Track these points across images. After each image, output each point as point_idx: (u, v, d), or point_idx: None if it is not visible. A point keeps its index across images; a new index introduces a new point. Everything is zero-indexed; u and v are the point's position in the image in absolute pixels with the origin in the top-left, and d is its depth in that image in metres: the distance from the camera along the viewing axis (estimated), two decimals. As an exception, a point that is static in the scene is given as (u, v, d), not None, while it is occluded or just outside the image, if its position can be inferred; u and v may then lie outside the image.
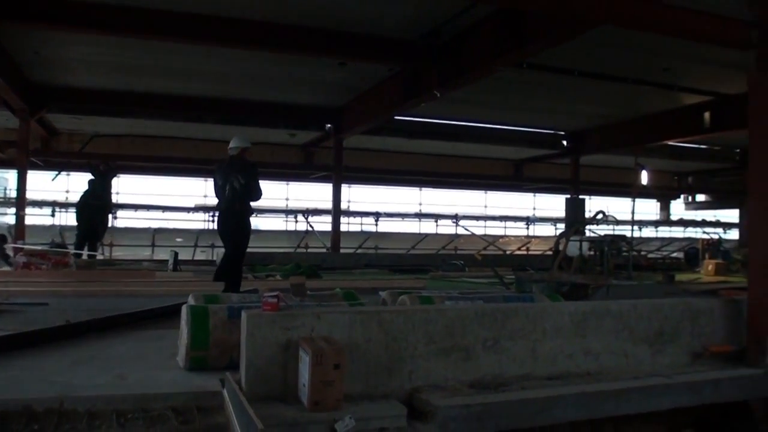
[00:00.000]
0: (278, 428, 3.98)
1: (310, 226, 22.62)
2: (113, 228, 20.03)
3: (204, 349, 5.34)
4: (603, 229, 18.70)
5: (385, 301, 6.80)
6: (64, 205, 21.07)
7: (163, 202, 22.67)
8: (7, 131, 18.85)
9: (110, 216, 17.52)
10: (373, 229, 24.42)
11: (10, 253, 13.74)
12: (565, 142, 21.39)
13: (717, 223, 30.15)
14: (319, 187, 23.03)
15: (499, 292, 7.76)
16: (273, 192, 23.91)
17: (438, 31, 11.13)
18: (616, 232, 19.40)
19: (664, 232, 31.03)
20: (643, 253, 23.15)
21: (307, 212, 23.21)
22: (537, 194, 28.51)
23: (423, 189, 26.45)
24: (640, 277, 14.80)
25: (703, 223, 29.98)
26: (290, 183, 24.24)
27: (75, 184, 21.00)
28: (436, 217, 26.16)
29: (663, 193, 30.66)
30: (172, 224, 22.75)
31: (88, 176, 15.14)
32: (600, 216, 15.37)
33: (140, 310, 8.04)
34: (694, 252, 22.35)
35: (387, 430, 4.20)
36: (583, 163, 22.64)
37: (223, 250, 9.88)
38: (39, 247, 14.68)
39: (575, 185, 22.33)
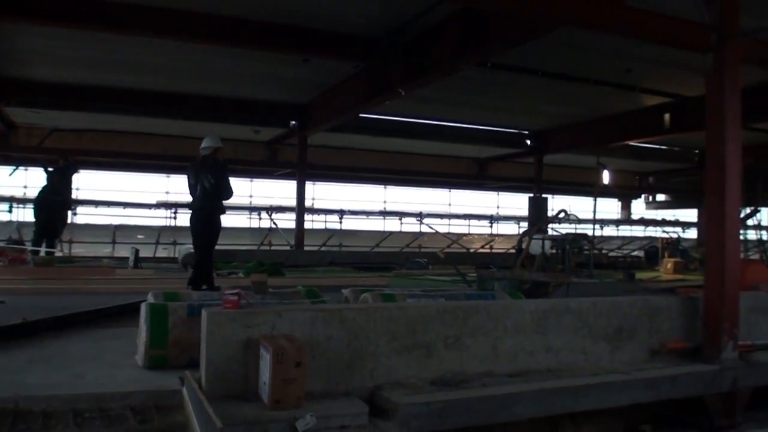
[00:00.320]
0: (238, 427, 3.95)
1: (274, 223, 22.52)
2: (73, 224, 19.68)
3: (163, 348, 5.29)
4: (565, 228, 18.90)
5: (347, 298, 6.80)
6: (22, 201, 20.64)
7: (124, 199, 22.35)
8: (-38, 125, 18.44)
9: (69, 212, 17.22)
10: (337, 226, 24.38)
11: None
12: (528, 141, 21.56)
13: (676, 223, 30.69)
14: (283, 184, 22.97)
15: (461, 290, 7.80)
16: (236, 189, 23.68)
17: (403, 29, 11.12)
18: (578, 231, 19.63)
19: (625, 230, 31.49)
20: (604, 251, 23.42)
21: (271, 209, 23.09)
22: (501, 193, 28.73)
23: (387, 187, 26.48)
24: (601, 275, 14.95)
25: (663, 223, 30.49)
26: (254, 180, 24.08)
27: (33, 179, 20.60)
28: (401, 215, 26.20)
29: (624, 193, 31.13)
30: (134, 221, 22.48)
31: (49, 171, 14.84)
32: (562, 215, 15.55)
33: (99, 308, 7.94)
34: (654, 250, 22.71)
35: (348, 428, 4.20)
36: (547, 162, 22.86)
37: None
38: (-5, 244, 14.40)
39: (538, 184, 22.54)
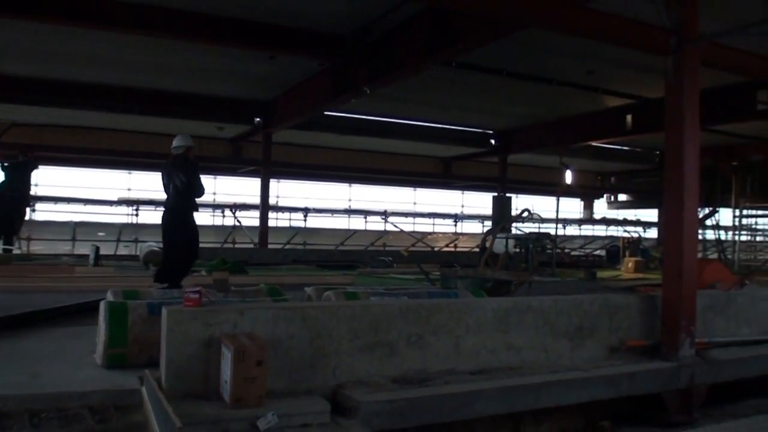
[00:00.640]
0: (198, 426, 3.92)
1: (238, 221, 22.34)
2: (31, 221, 19.31)
3: (122, 347, 5.22)
4: (529, 227, 19.08)
5: (310, 297, 6.78)
6: (-22, 197, 20.18)
7: (84, 195, 21.98)
8: None
9: (28, 209, 16.89)
10: (301, 224, 24.28)
11: None
12: (493, 141, 21.71)
13: (637, 222, 31.13)
14: (247, 181, 22.80)
15: (424, 289, 7.82)
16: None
17: (368, 28, 11.12)
18: (541, 230, 19.84)
19: (587, 230, 31.87)
20: (567, 250, 23.72)
21: (235, 207, 22.88)
22: (465, 192, 28.88)
23: (352, 185, 26.45)
24: (563, 274, 15.16)
25: (624, 222, 30.90)
26: (218, 177, 23.81)
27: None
28: (366, 213, 26.19)
29: (587, 193, 31.53)
30: (94, 218, 22.06)
31: (5, 166, 14.54)
32: (526, 214, 15.66)
33: (58, 306, 7.81)
34: (615, 250, 23.03)
35: (310, 426, 4.19)
36: (511, 162, 23.05)
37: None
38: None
39: (502, 183, 22.71)
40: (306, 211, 24.48)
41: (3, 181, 14.31)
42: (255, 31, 11.07)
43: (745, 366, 6.73)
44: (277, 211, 23.79)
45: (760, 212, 22.87)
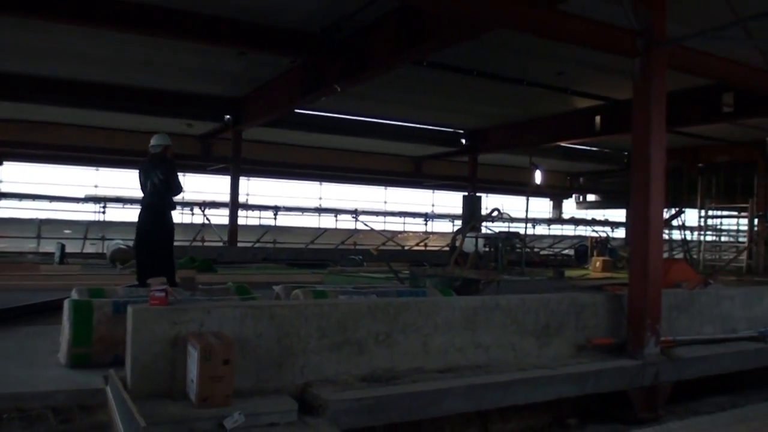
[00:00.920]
0: (163, 426, 3.87)
1: (207, 219, 22.16)
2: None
3: (86, 346, 5.15)
4: (498, 226, 19.22)
5: (278, 295, 6.75)
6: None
7: (50, 192, 21.63)
8: None
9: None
10: (271, 222, 24.19)
11: None
12: (463, 141, 21.81)
13: (605, 222, 31.53)
14: (217, 179, 22.62)
15: (393, 287, 7.83)
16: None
17: (340, 26, 11.09)
18: (511, 230, 19.99)
19: (557, 229, 32.18)
20: (536, 249, 23.94)
21: (204, 205, 22.72)
22: (436, 191, 28.98)
23: (323, 183, 26.41)
24: (532, 273, 15.30)
25: (593, 222, 31.28)
26: (186, 174, 23.54)
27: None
28: (336, 211, 26.18)
29: (556, 193, 31.85)
30: (60, 215, 21.75)
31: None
32: (495, 213, 15.80)
33: (21, 305, 7.68)
34: (583, 249, 23.31)
35: (277, 425, 4.16)
36: (481, 162, 23.19)
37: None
38: None
39: (473, 183, 22.83)
40: (276, 209, 24.39)
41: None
42: (225, 27, 10.99)
43: (709, 364, 6.83)
44: (246, 209, 23.68)
45: (724, 213, 23.25)
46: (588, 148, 23.78)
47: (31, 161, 21.27)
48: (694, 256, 21.31)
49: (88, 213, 22.17)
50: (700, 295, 7.82)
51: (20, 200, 21.24)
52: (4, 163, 17.56)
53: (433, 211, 29.08)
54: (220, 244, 19.21)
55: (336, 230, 25.10)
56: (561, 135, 19.13)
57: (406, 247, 23.70)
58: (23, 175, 21.61)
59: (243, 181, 20.78)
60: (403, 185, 28.02)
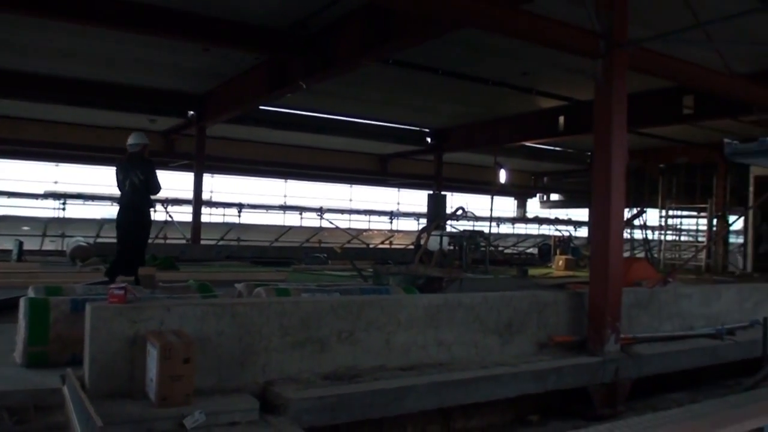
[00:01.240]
0: (122, 426, 3.81)
1: (170, 216, 21.88)
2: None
3: (43, 345, 5.06)
4: (463, 225, 19.32)
5: (241, 293, 6.69)
6: None
7: (8, 188, 21.16)
8: None
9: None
10: (235, 220, 23.99)
11: None
12: (429, 139, 21.88)
13: (568, 221, 31.87)
14: (180, 175, 22.34)
15: (356, 285, 7.83)
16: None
17: (305, 23, 11.05)
18: (475, 228, 20.10)
19: (521, 228, 32.44)
20: (500, 248, 24.10)
21: (167, 202, 22.42)
22: (401, 189, 29.04)
23: (288, 181, 26.28)
24: (496, 272, 15.40)
25: (556, 221, 31.60)
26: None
27: None
28: (301, 209, 26.07)
29: (520, 192, 32.14)
30: (18, 212, 21.31)
31: None
32: (460, 212, 15.86)
33: (-24, 302, 7.51)
34: (546, 248, 23.55)
35: (238, 424, 4.13)
36: (446, 160, 23.27)
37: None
38: None
39: (438, 181, 22.91)
40: (240, 206, 24.20)
41: None
42: (189, 22, 10.86)
43: (667, 360, 6.95)
44: (210, 207, 23.46)
45: (684, 213, 23.66)
46: (552, 148, 24.02)
47: (-12, 156, 20.85)
48: (655, 255, 21.66)
49: (47, 209, 21.75)
50: (660, 293, 7.94)
51: (-24, 196, 20.79)
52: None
53: (398, 210, 29.13)
54: (183, 241, 19.00)
55: (301, 228, 25.00)
56: (525, 135, 19.28)
57: (371, 246, 23.70)
58: (-20, 171, 21.17)
59: (207, 178, 20.59)
60: (369, 183, 28.02)
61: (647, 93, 13.65)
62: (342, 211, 27.16)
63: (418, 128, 21.50)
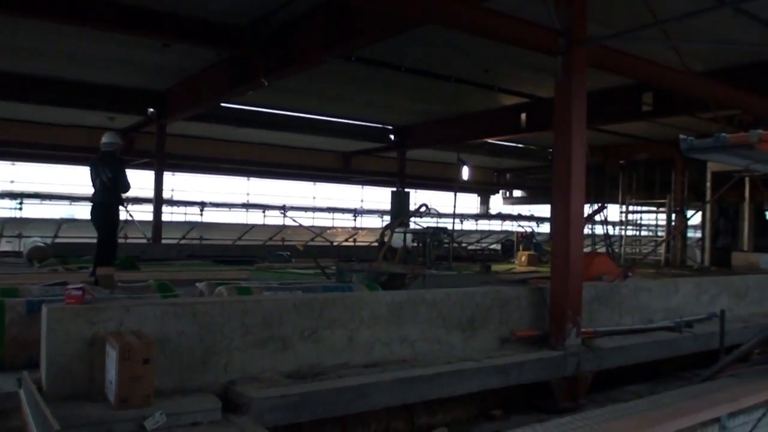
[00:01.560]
0: (80, 428, 3.76)
1: (130, 215, 21.50)
2: None
3: (-2, 347, 4.95)
4: (427, 222, 19.37)
5: (202, 292, 6.64)
6: None
7: (-40, 187, 20.70)
8: None
9: None
10: (197, 219, 23.73)
11: None
12: (392, 136, 21.88)
13: (531, 218, 32.18)
14: (141, 174, 22.01)
15: (319, 283, 7.81)
16: (88, 179, 22.59)
17: (267, 19, 10.96)
18: (439, 225, 20.18)
19: (484, 225, 32.62)
20: (463, 244, 24.25)
21: (127, 200, 22.09)
22: (365, 186, 29.00)
23: (250, 178, 26.06)
24: (460, 268, 15.46)
25: (519, 217, 31.86)
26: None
27: None
28: (264, 207, 25.86)
29: (483, 188, 32.35)
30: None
31: None
32: (423, 209, 15.93)
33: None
34: (509, 244, 23.76)
35: (200, 424, 4.09)
36: (409, 158, 23.32)
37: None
38: None
39: (401, 178, 22.94)
40: (202, 205, 23.92)
41: None
42: (148, 18, 10.69)
43: (627, 353, 7.06)
44: (171, 205, 23.15)
45: (644, 208, 24.05)
46: (514, 144, 24.19)
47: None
48: (616, 250, 21.98)
49: (3, 209, 21.26)
50: (620, 287, 8.07)
51: (-72, 196, 20.26)
52: None
53: (362, 207, 29.10)
54: (144, 240, 18.74)
55: (264, 226, 24.82)
56: (488, 132, 19.39)
57: (334, 243, 23.65)
58: (-68, 170, 20.64)
59: (167, 176, 20.32)
60: (332, 181, 27.90)
61: (607, 90, 13.83)
62: (305, 209, 27.03)
63: (381, 125, 21.49)
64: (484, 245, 26.96)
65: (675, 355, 7.78)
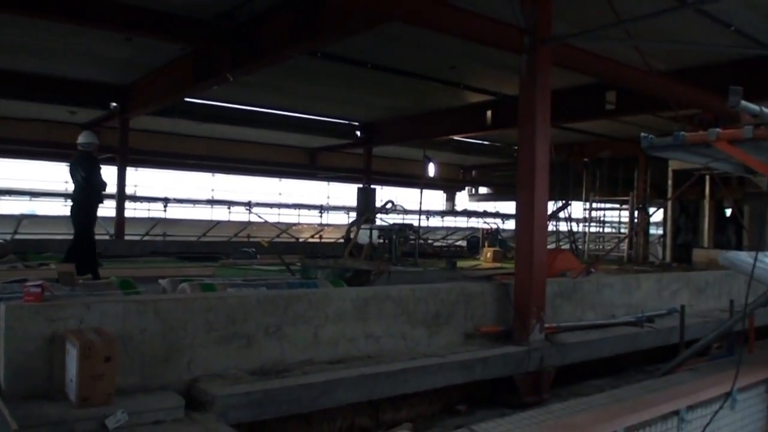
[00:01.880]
0: (41, 428, 3.71)
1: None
2: None
3: (-46, 346, 4.82)
4: (393, 218, 19.38)
5: (165, 289, 6.57)
6: None
7: None
8: None
9: None
10: (161, 215, 23.47)
11: None
12: (358, 133, 21.84)
13: (496, 214, 32.40)
14: (103, 169, 21.71)
15: (284, 279, 7.77)
16: (50, 174, 22.27)
17: (232, 13, 10.84)
18: (405, 221, 20.21)
19: (450, 221, 32.79)
20: (429, 241, 24.30)
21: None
22: (331, 183, 28.95)
23: (215, 174, 25.85)
24: (426, 264, 15.49)
25: (485, 214, 32.06)
26: (69, 165, 22.50)
27: None
28: (229, 203, 25.69)
29: (449, 185, 32.48)
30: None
31: None
32: (389, 205, 15.93)
33: None
34: (475, 240, 23.86)
35: (163, 422, 4.06)
36: (376, 154, 23.30)
37: None
38: None
39: (367, 175, 22.90)
40: (166, 201, 23.68)
41: None
42: (111, 10, 10.49)
43: (590, 348, 7.16)
44: (134, 201, 22.88)
45: (607, 205, 24.37)
46: (480, 141, 24.31)
47: None
48: (579, 247, 22.22)
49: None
50: (583, 283, 8.17)
51: None
52: None
53: (328, 203, 29.04)
54: (107, 237, 18.47)
55: (229, 222, 24.63)
56: (454, 129, 19.44)
57: (300, 240, 23.56)
58: None
59: (131, 172, 20.07)
60: (298, 177, 27.79)
61: (572, 89, 13.97)
62: (271, 205, 26.90)
63: (347, 122, 21.42)
64: (449, 242, 27.05)
65: (637, 350, 7.91)
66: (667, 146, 5.47)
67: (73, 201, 9.79)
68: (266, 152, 24.32)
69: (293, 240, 23.02)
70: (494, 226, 26.14)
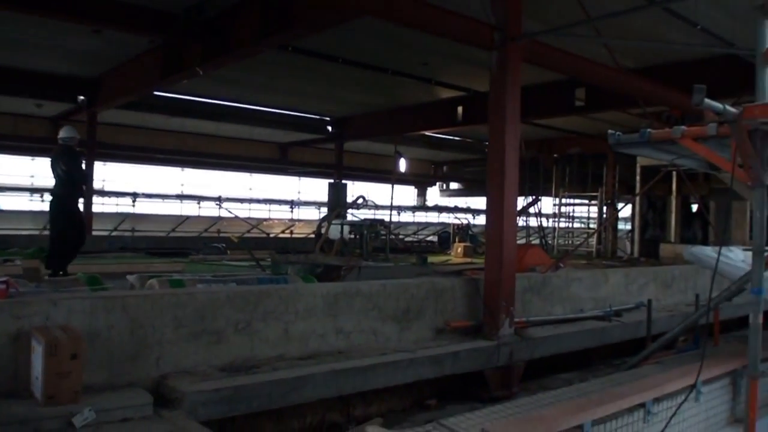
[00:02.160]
0: (5, 427, 3.66)
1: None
2: None
3: None
4: (364, 214, 19.39)
5: (133, 285, 6.50)
6: None
7: None
8: None
9: None
10: (130, 210, 23.20)
11: None
12: (329, 128, 21.79)
13: (467, 210, 32.55)
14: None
15: (254, 275, 7.74)
16: (16, 168, 21.90)
17: (202, 7, 10.73)
18: (376, 217, 20.22)
19: (421, 217, 32.88)
20: (401, 236, 24.37)
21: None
22: (302, 178, 28.86)
23: (185, 169, 25.63)
24: (397, 259, 15.53)
25: (456, 209, 32.19)
26: (36, 158, 22.15)
27: None
28: (199, 198, 25.49)
29: (420, 180, 32.55)
30: None
31: None
32: (361, 201, 15.93)
33: None
34: (446, 236, 23.97)
35: (131, 420, 4.02)
36: (347, 149, 23.27)
37: None
38: None
39: (339, 170, 22.87)
40: (134, 195, 23.42)
41: None
42: (78, 1, 10.36)
43: (559, 342, 7.23)
44: (102, 196, 22.60)
45: (577, 201, 24.61)
46: (451, 137, 24.39)
47: None
48: (549, 242, 22.42)
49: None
50: (552, 278, 8.24)
51: None
52: None
53: (299, 199, 28.95)
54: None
55: (199, 218, 24.45)
56: (425, 124, 19.48)
57: (271, 235, 23.45)
58: None
59: (98, 166, 19.81)
60: (269, 172, 27.67)
61: (541, 85, 14.07)
62: (242, 200, 26.76)
63: (318, 116, 21.36)
64: (420, 237, 27.14)
65: (605, 344, 8.01)
66: (634, 143, 5.54)
67: (53, 195, 9.75)
68: (237, 147, 24.16)
69: (264, 235, 22.91)
70: (465, 222, 26.27)
